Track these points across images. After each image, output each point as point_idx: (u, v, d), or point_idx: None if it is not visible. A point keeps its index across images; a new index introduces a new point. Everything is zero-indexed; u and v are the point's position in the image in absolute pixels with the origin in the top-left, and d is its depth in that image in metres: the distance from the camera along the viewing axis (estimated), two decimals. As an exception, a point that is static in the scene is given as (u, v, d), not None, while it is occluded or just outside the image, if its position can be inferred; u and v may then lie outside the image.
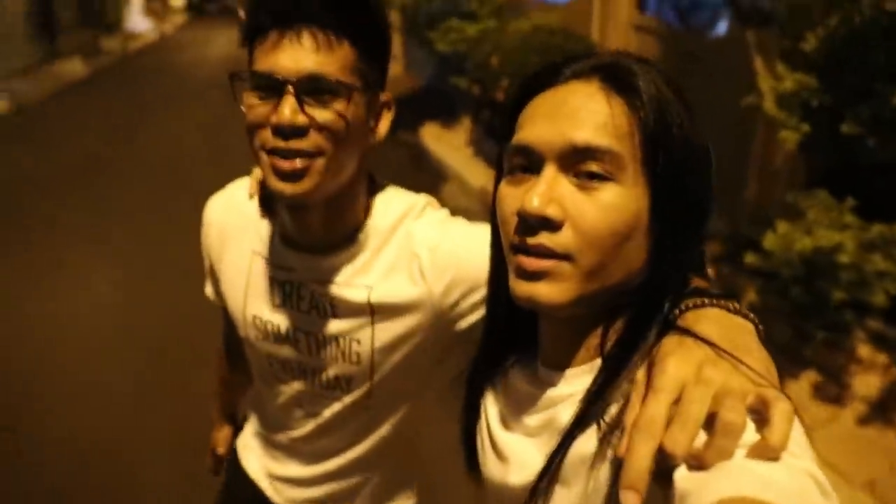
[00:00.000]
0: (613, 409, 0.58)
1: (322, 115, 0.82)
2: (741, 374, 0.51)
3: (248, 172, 1.09)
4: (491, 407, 0.77)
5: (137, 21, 22.53)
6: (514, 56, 5.40)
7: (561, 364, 0.67)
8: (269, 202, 1.02)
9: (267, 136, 0.83)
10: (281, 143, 0.82)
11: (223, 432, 1.38)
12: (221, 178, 1.15)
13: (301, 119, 0.81)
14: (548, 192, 0.59)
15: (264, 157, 0.84)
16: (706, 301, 0.59)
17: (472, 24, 6.26)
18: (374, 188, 0.98)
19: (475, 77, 6.19)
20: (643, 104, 0.59)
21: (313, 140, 0.82)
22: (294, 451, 1.11)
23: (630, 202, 0.59)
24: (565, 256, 0.59)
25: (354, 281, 0.94)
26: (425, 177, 6.02)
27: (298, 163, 0.82)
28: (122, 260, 4.54)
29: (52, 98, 10.95)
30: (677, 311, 0.59)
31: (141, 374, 3.27)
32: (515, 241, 0.62)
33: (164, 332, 3.55)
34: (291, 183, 0.83)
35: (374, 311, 0.94)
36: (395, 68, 11.15)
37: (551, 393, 0.66)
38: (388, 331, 0.95)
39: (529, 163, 0.62)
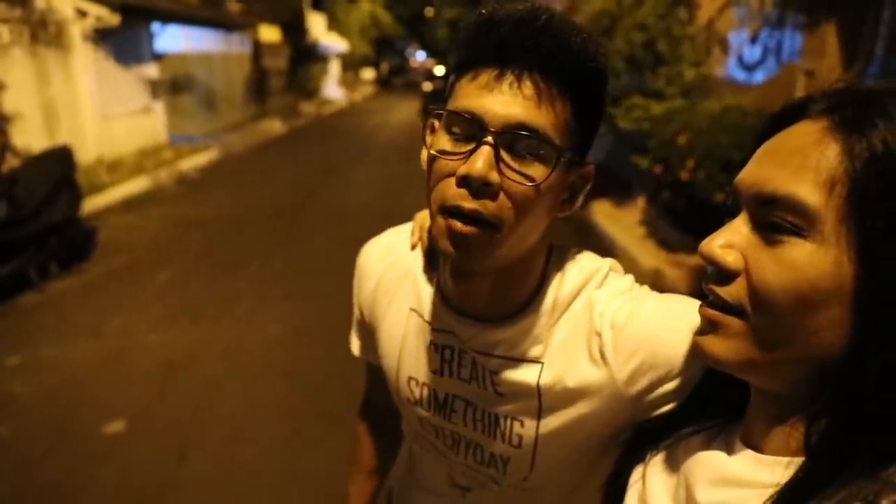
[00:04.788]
0: None
1: (518, 176, 0.69)
2: None
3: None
4: (655, 476, 0.68)
5: (332, 90, 25.13)
6: (703, 136, 5.12)
7: (759, 445, 0.58)
8: (432, 257, 0.91)
9: (450, 187, 0.71)
10: (466, 195, 0.69)
11: None
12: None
13: (494, 177, 0.68)
14: (728, 237, 0.55)
15: (440, 218, 0.72)
16: None
17: (658, 103, 6.09)
18: (553, 253, 0.84)
19: (658, 156, 5.95)
20: (859, 148, 0.48)
21: (499, 205, 0.70)
22: None
23: (821, 264, 0.49)
24: (738, 311, 0.54)
25: (524, 356, 0.81)
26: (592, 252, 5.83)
27: (473, 230, 0.70)
28: (293, 302, 4.78)
29: (254, 150, 12.33)
30: None
31: (297, 411, 3.33)
32: (703, 288, 0.58)
33: (323, 374, 3.61)
34: (462, 252, 0.72)
35: (542, 395, 0.81)
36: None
37: (740, 473, 0.57)
38: (556, 417, 0.81)
39: (735, 205, 0.57)
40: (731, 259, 0.54)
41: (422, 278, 0.91)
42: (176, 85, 12.88)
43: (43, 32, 8.40)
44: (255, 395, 3.52)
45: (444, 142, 0.72)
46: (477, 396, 0.85)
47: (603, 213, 7.08)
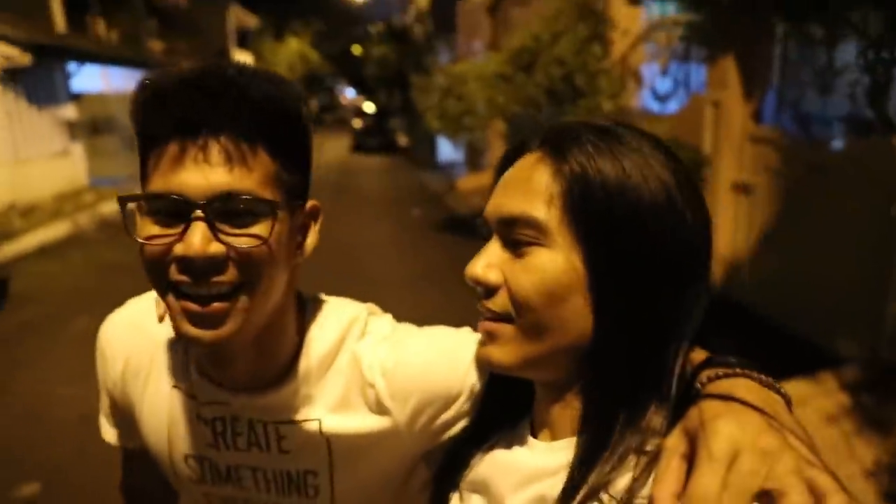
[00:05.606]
0: (621, 483, 0.56)
1: (241, 241, 0.66)
2: (796, 450, 0.47)
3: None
4: (471, 497, 0.72)
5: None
6: (622, 163, 5.33)
7: (550, 434, 0.66)
8: None
9: (173, 272, 0.67)
10: (188, 280, 0.66)
11: None
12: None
13: (215, 248, 0.65)
14: (486, 259, 0.64)
15: (171, 298, 0.68)
16: (737, 371, 0.55)
17: (578, 133, 6.30)
18: (305, 306, 0.83)
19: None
20: (565, 170, 0.60)
21: (232, 274, 0.67)
22: None
23: (558, 264, 0.59)
24: (506, 318, 0.62)
25: (300, 416, 0.80)
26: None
27: (217, 306, 0.67)
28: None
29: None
30: (705, 378, 0.56)
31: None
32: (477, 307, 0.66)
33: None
34: (209, 329, 0.67)
35: (331, 442, 0.80)
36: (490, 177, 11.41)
37: (540, 464, 0.64)
38: (349, 464, 0.81)
39: (488, 232, 0.66)
40: (492, 276, 0.63)
41: (176, 352, 0.85)
42: (96, 126, 12.48)
43: (-53, 74, 8.02)
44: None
45: (150, 226, 0.67)
46: (261, 460, 0.82)
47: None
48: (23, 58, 9.01)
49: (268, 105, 0.68)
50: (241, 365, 0.77)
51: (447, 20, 17.53)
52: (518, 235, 0.61)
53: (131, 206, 0.70)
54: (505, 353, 0.63)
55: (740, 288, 5.17)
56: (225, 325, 0.68)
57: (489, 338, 0.65)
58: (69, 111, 11.31)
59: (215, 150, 0.65)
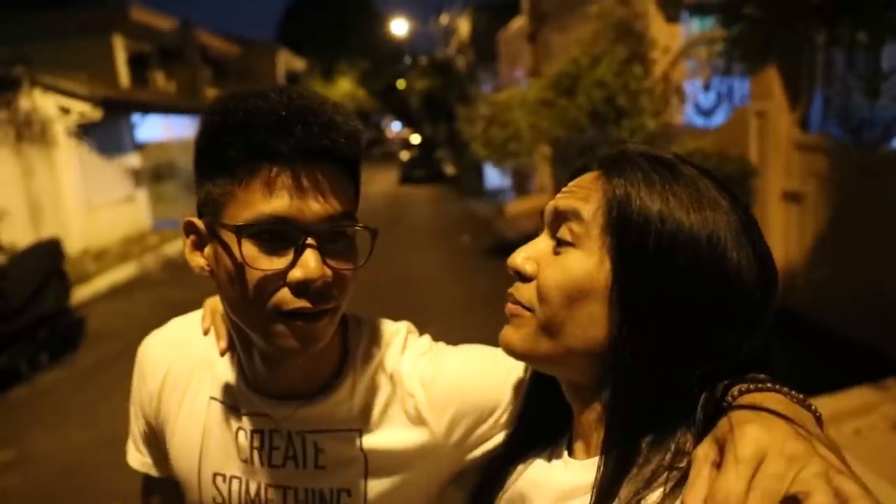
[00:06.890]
0: (652, 500, 0.56)
1: (342, 266, 0.71)
2: (823, 457, 0.47)
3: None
4: None
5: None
6: (667, 179, 5.34)
7: (584, 451, 0.67)
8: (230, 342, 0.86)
9: (283, 294, 0.69)
10: (309, 305, 0.69)
11: None
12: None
13: (328, 273, 0.69)
14: (529, 251, 0.68)
15: (278, 323, 0.70)
16: (769, 385, 0.56)
17: (622, 152, 6.34)
18: (347, 321, 0.86)
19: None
20: (610, 192, 0.64)
21: (333, 295, 0.71)
22: None
23: (585, 266, 0.62)
24: (528, 307, 0.66)
25: (343, 426, 0.82)
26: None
27: (322, 323, 0.71)
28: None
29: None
30: (736, 392, 0.56)
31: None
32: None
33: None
34: (309, 342, 0.72)
35: (368, 458, 0.81)
36: (545, 198, 11.47)
37: (574, 481, 0.65)
38: (384, 480, 0.82)
39: (539, 229, 0.71)
40: (528, 268, 0.66)
41: (218, 363, 0.86)
42: (158, 172, 13.17)
43: (27, 131, 8.67)
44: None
45: (254, 252, 0.68)
46: (295, 478, 0.82)
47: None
48: (94, 113, 9.67)
49: (357, 139, 0.72)
50: (295, 373, 0.79)
51: (488, 50, 17.84)
52: (561, 233, 0.64)
53: (191, 237, 0.74)
54: (519, 339, 0.66)
55: (796, 296, 5.07)
56: (320, 340, 0.73)
57: (511, 318, 0.68)
58: (134, 159, 11.99)
59: (322, 179, 0.68)
